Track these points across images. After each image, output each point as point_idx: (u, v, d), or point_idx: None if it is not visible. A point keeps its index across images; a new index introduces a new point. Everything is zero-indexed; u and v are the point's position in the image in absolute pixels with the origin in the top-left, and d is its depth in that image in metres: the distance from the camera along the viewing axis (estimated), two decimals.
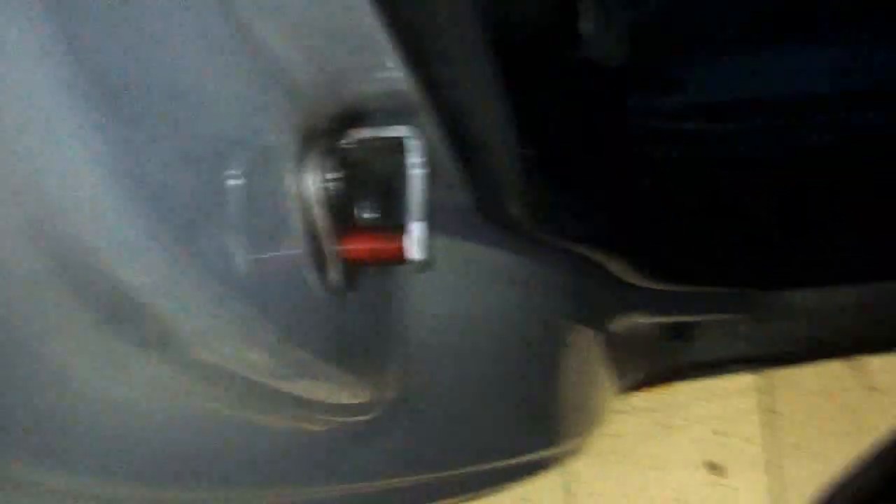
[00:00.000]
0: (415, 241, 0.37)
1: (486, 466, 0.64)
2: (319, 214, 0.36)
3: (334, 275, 0.37)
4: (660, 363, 1.08)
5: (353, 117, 0.40)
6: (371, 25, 0.34)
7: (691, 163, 0.78)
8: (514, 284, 0.59)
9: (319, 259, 0.36)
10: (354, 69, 0.36)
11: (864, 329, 1.15)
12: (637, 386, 1.11)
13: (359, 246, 0.37)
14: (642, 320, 0.89)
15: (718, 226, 0.82)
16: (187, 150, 0.28)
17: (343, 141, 0.38)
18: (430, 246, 0.38)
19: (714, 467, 1.53)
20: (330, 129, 0.38)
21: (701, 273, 0.85)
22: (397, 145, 0.40)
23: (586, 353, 0.79)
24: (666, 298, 0.87)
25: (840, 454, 1.50)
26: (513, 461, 0.68)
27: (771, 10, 0.76)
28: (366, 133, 0.38)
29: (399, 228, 0.38)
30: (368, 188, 0.42)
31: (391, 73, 0.37)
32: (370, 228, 0.39)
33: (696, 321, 1.04)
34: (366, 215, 0.42)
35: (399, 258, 0.37)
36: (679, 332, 1.02)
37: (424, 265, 0.38)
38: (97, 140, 0.23)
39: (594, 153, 0.55)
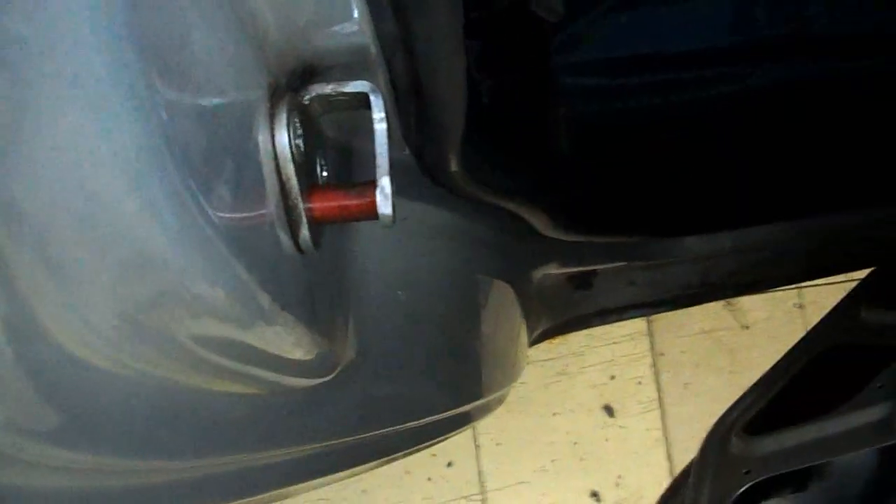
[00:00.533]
0: (387, 195, 0.37)
1: (425, 421, 0.66)
2: (291, 172, 0.35)
3: (305, 233, 0.37)
4: (564, 313, 1.12)
5: (309, 73, 0.39)
6: None
7: (594, 117, 0.81)
8: (450, 240, 0.60)
9: (291, 217, 0.36)
10: (317, 21, 0.35)
11: (740, 271, 1.24)
12: (543, 337, 1.15)
13: (328, 203, 0.37)
14: (554, 272, 0.92)
15: (621, 177, 0.86)
16: None
17: (305, 97, 0.37)
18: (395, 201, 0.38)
19: (608, 409, 1.61)
20: (290, 85, 0.37)
21: (608, 224, 0.89)
22: (354, 101, 0.39)
23: (508, 307, 0.81)
24: (575, 250, 0.90)
25: (721, 390, 1.62)
26: (448, 414, 0.69)
27: None
28: (328, 89, 0.37)
29: (364, 185, 0.38)
30: (324, 145, 0.41)
31: (351, 26, 0.37)
32: (336, 186, 0.38)
33: (596, 270, 1.09)
34: (323, 173, 0.41)
35: (369, 214, 0.37)
36: (582, 282, 1.06)
37: (392, 220, 0.38)
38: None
39: (524, 109, 0.56)
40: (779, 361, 1.00)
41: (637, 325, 1.64)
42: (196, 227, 0.26)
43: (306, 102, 0.38)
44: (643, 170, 0.87)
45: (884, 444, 0.70)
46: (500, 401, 0.86)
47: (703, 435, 1.69)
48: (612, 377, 1.62)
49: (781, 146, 0.88)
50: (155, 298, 0.27)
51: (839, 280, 1.67)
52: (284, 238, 0.35)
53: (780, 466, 0.75)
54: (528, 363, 1.59)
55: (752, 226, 1.07)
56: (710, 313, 1.67)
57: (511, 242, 0.74)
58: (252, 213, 0.32)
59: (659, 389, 1.62)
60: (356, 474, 0.68)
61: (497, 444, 1.58)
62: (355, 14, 0.35)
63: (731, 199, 0.96)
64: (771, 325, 1.69)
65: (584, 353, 1.63)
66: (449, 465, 1.55)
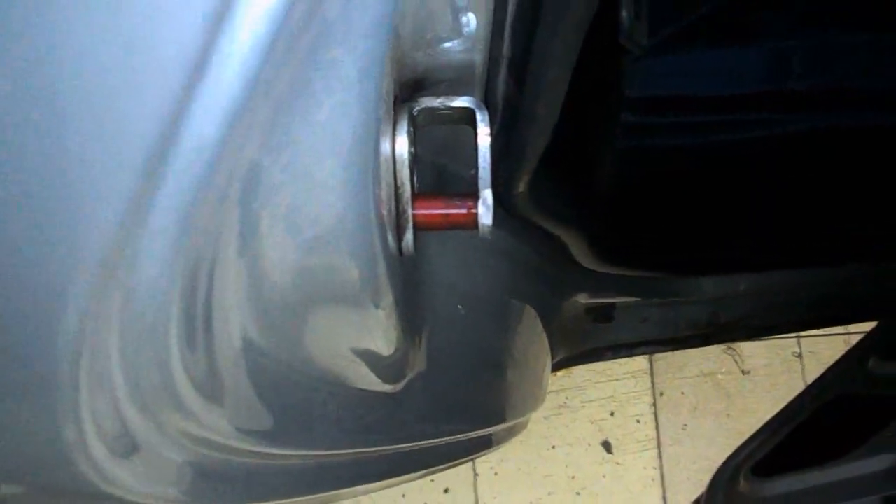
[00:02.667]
0: (489, 207, 0.38)
1: (461, 438, 0.67)
2: (406, 177, 0.36)
3: (409, 237, 0.38)
4: (581, 345, 1.14)
5: (417, 87, 0.41)
6: None
7: (629, 152, 0.83)
8: (503, 260, 0.62)
9: (399, 222, 0.37)
10: (438, 36, 0.37)
11: (750, 315, 1.26)
12: (556, 367, 1.17)
13: (432, 211, 0.38)
14: (580, 302, 0.94)
15: (653, 212, 0.88)
16: None
17: (415, 108, 0.39)
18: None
19: (607, 445, 1.61)
20: (401, 97, 0.39)
21: (636, 257, 0.91)
22: (457, 115, 0.41)
23: (541, 332, 0.83)
24: (603, 282, 0.92)
25: (717, 434, 1.63)
26: (484, 432, 0.70)
27: (709, 13, 0.82)
28: (436, 102, 0.39)
29: (465, 196, 0.40)
30: (422, 156, 0.43)
31: (466, 44, 0.38)
32: (438, 195, 0.40)
33: (615, 304, 1.11)
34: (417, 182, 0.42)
35: (470, 224, 0.39)
36: (601, 315, 1.08)
37: (490, 232, 0.39)
38: None
39: (588, 142, 0.58)
40: (787, 406, 1.02)
41: (639, 363, 1.66)
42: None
43: (415, 114, 0.39)
44: (675, 206, 0.90)
45: (891, 494, 0.72)
46: (523, 426, 0.87)
47: (698, 477, 1.71)
48: (612, 413, 1.63)
49: (809, 193, 0.90)
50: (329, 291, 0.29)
51: (837, 332, 1.70)
52: (391, 240, 0.37)
53: None
54: None
55: (771, 270, 1.10)
56: (710, 356, 1.69)
57: (551, 269, 0.75)
58: (376, 215, 0.33)
59: (657, 429, 1.63)
60: (388, 486, 0.68)
61: (495, 474, 1.58)
62: (473, 32, 0.37)
63: (755, 242, 0.99)
64: (770, 372, 1.71)
65: (585, 388, 1.64)
66: (446, 491, 1.55)
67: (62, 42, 0.21)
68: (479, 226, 0.39)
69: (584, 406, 1.63)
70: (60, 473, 0.27)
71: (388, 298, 0.36)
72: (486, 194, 0.38)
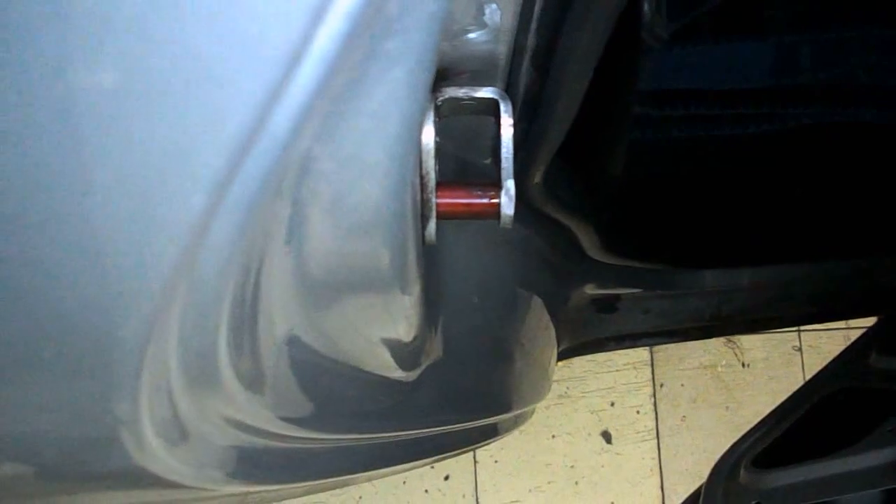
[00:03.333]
0: (511, 197, 0.39)
1: (471, 425, 0.67)
2: (431, 166, 0.37)
3: (432, 226, 0.39)
4: (584, 335, 1.14)
5: (441, 77, 0.41)
6: None
7: (638, 144, 0.84)
8: (517, 251, 0.62)
9: (423, 210, 0.38)
10: (466, 27, 0.37)
11: (751, 308, 1.27)
12: (560, 357, 1.17)
13: (456, 200, 0.39)
14: (587, 293, 0.94)
15: (660, 204, 0.89)
16: None
17: (439, 98, 0.39)
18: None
19: (606, 436, 1.63)
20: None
21: (643, 248, 0.91)
22: (481, 106, 0.41)
23: (549, 322, 0.84)
24: (612, 272, 0.93)
25: (716, 426, 1.65)
26: (492, 420, 0.71)
27: (718, 7, 0.82)
28: (460, 92, 0.39)
29: (487, 186, 0.40)
30: (444, 146, 0.43)
31: (491, 34, 0.39)
32: (461, 184, 0.40)
33: (619, 295, 1.12)
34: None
35: (492, 214, 0.39)
36: (605, 306, 1.09)
37: (512, 222, 0.40)
38: None
39: (600, 134, 0.59)
40: (788, 399, 1.03)
41: (640, 354, 1.67)
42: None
43: (439, 104, 0.40)
44: (681, 198, 0.90)
45: (892, 488, 0.72)
46: (528, 416, 0.87)
47: (696, 469, 1.72)
48: (612, 404, 1.64)
49: (813, 187, 0.91)
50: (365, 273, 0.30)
51: (838, 327, 1.71)
52: (417, 227, 0.37)
53: (788, 500, 0.77)
54: None
55: (774, 263, 1.10)
56: (710, 349, 1.70)
57: (561, 260, 0.76)
58: (412, 203, 0.34)
59: (657, 420, 1.64)
60: (394, 473, 0.69)
61: (495, 462, 1.59)
62: (497, 23, 0.37)
63: (758, 234, 0.99)
64: (769, 365, 1.72)
65: (586, 378, 1.65)
66: (446, 478, 1.56)
67: (165, 36, 0.21)
68: (501, 216, 0.39)
69: (584, 396, 1.64)
70: (110, 453, 0.27)
71: (416, 286, 0.36)
72: (509, 184, 0.39)
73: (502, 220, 0.39)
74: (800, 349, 1.73)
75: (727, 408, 1.68)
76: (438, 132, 0.43)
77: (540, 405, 1.62)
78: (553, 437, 1.62)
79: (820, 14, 0.83)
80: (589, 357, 1.65)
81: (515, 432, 1.59)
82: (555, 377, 1.64)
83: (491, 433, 0.81)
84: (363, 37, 0.23)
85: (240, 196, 0.23)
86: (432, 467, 1.56)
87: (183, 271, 0.24)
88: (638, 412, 1.65)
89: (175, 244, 0.23)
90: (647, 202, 0.84)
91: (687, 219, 0.93)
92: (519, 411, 0.82)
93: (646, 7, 0.45)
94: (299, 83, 0.22)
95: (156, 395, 0.27)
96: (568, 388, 1.64)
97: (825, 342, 1.73)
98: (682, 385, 1.67)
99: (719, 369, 1.69)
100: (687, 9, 0.74)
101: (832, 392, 1.01)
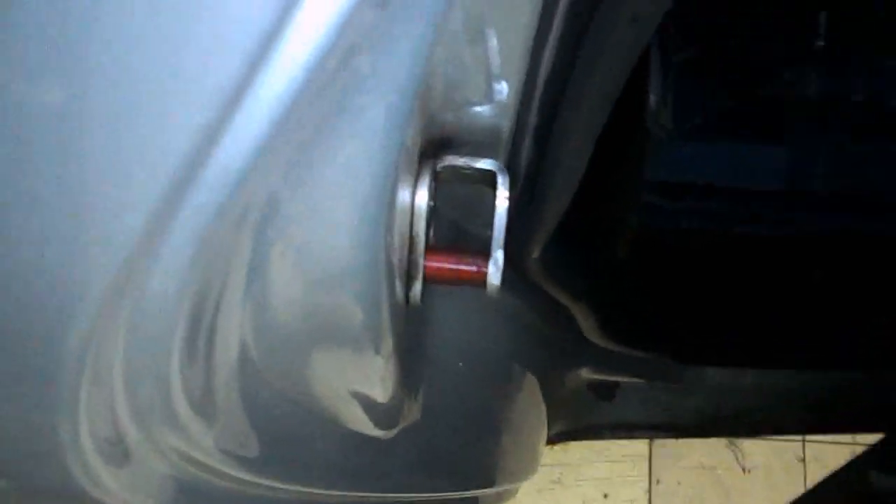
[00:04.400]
0: (499, 268, 0.39)
1: (449, 496, 0.66)
2: (421, 229, 0.38)
3: (417, 287, 0.39)
4: (580, 421, 1.13)
5: (443, 145, 0.42)
6: (484, 60, 0.37)
7: (644, 233, 0.84)
8: (508, 322, 0.62)
9: (410, 271, 0.38)
10: (471, 100, 0.39)
11: (753, 410, 1.25)
12: (551, 440, 1.16)
13: (443, 264, 0.39)
14: (584, 376, 0.94)
15: (662, 295, 0.89)
16: None
17: (439, 165, 0.41)
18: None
19: None
20: (427, 152, 0.41)
21: (641, 338, 0.91)
22: (479, 176, 0.42)
23: (539, 400, 0.83)
24: (610, 358, 0.92)
25: None
26: (465, 494, 0.70)
27: (733, 108, 0.83)
28: (460, 161, 0.41)
29: (477, 254, 0.41)
30: (440, 212, 0.44)
31: (496, 109, 0.40)
32: (450, 249, 0.41)
33: (619, 383, 1.11)
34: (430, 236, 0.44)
35: (478, 282, 0.40)
36: (604, 393, 1.08)
37: (498, 292, 0.40)
38: None
39: (604, 218, 0.60)
40: None
41: (638, 447, 1.64)
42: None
43: (439, 170, 0.41)
44: (685, 291, 0.90)
45: None
46: (512, 494, 0.86)
47: None
48: (606, 496, 1.61)
49: (824, 294, 0.91)
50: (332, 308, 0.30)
51: (844, 441, 1.67)
52: (399, 288, 0.38)
53: None
54: None
55: (777, 368, 1.09)
56: (711, 449, 1.66)
57: (556, 339, 0.76)
58: (386, 261, 0.35)
59: None
60: None
61: None
62: (504, 100, 0.38)
63: (763, 336, 0.98)
64: (771, 473, 1.68)
65: (581, 466, 1.62)
66: None
67: (120, 58, 0.22)
68: (488, 285, 0.40)
69: (578, 484, 1.60)
70: (49, 469, 0.28)
71: (388, 346, 0.37)
72: (498, 255, 0.40)
73: (488, 288, 0.40)
74: (803, 460, 1.69)
75: None
76: (437, 197, 0.44)
77: (532, 488, 1.59)
78: None
79: (836, 124, 0.84)
80: (585, 444, 1.62)
81: None
82: (548, 461, 1.61)
83: None
84: (327, 87, 0.24)
85: (189, 223, 0.24)
86: None
87: (125, 289, 0.25)
88: None
89: (112, 260, 0.24)
90: (648, 291, 0.84)
91: (689, 312, 0.92)
92: (501, 488, 0.81)
93: (651, 98, 0.46)
94: (249, 123, 0.23)
95: (98, 412, 0.27)
96: (562, 474, 1.61)
97: (830, 455, 1.68)
98: (679, 483, 1.64)
99: (719, 472, 1.65)
100: (698, 107, 0.75)
101: None
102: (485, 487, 0.75)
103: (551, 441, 1.21)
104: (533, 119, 0.39)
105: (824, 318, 0.95)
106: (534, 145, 0.41)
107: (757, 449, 1.68)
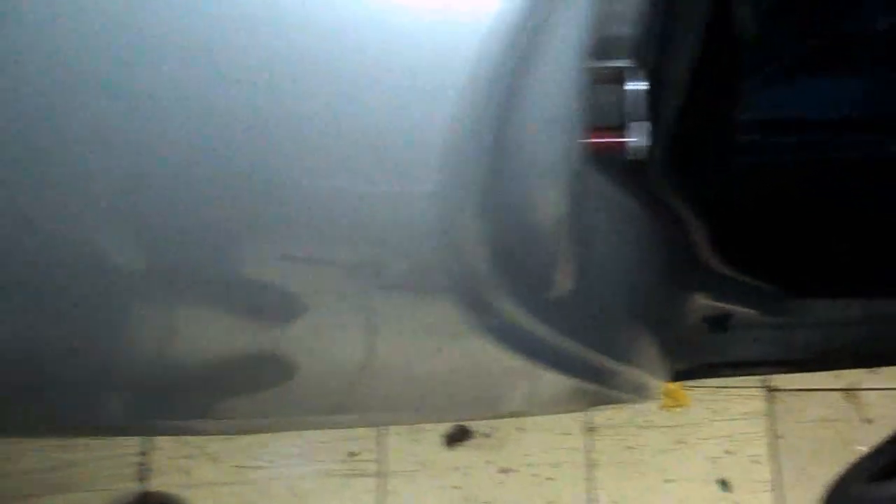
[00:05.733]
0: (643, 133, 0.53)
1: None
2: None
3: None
4: (696, 357, 1.21)
5: None
6: None
7: (750, 168, 0.94)
8: (640, 227, 0.75)
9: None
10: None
11: (864, 342, 1.28)
12: (675, 378, 1.23)
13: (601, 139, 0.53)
14: (702, 301, 1.03)
15: (772, 224, 0.97)
16: None
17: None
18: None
19: (723, 483, 1.65)
20: None
21: (755, 265, 0.99)
22: (611, 75, 0.56)
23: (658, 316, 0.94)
24: (722, 284, 1.01)
25: None
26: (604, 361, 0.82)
27: (815, 46, 0.93)
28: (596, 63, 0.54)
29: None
30: None
31: None
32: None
33: (730, 316, 1.17)
34: None
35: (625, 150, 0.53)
36: (717, 324, 1.15)
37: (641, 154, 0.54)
38: None
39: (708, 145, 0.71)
40: None
41: (756, 404, 1.69)
42: None
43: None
44: (790, 221, 0.99)
45: None
46: (641, 391, 0.96)
47: None
48: (728, 452, 1.67)
49: None
50: None
51: None
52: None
53: None
54: (646, 427, 1.67)
55: (881, 297, 1.14)
56: (830, 402, 1.69)
57: (676, 257, 0.87)
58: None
59: (776, 471, 1.65)
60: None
61: (612, 501, 1.64)
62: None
63: (869, 265, 1.04)
64: (893, 421, 1.69)
65: (702, 425, 1.68)
66: None
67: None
68: (633, 149, 0.53)
69: (701, 443, 1.67)
70: None
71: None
72: (635, 126, 0.53)
73: (635, 153, 0.53)
74: None
75: (844, 463, 1.67)
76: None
77: (657, 448, 1.66)
78: (668, 481, 1.65)
79: None
80: (705, 405, 1.69)
81: (632, 474, 1.63)
82: (670, 423, 1.69)
83: (600, 376, 0.89)
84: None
85: None
86: (551, 502, 1.62)
87: None
88: (756, 462, 1.66)
89: None
90: (757, 219, 0.94)
91: (797, 242, 1.00)
92: (635, 369, 0.91)
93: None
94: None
95: None
96: (685, 433, 1.68)
97: None
98: (801, 438, 1.68)
99: (840, 424, 1.69)
100: (781, 50, 0.86)
101: None
102: (625, 360, 0.86)
103: (676, 378, 1.29)
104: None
105: None
106: (654, 41, 0.54)
107: (877, 399, 1.71)
